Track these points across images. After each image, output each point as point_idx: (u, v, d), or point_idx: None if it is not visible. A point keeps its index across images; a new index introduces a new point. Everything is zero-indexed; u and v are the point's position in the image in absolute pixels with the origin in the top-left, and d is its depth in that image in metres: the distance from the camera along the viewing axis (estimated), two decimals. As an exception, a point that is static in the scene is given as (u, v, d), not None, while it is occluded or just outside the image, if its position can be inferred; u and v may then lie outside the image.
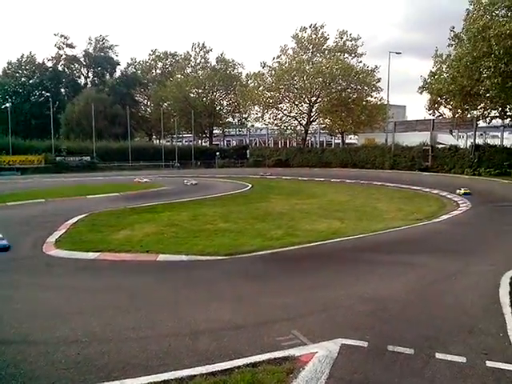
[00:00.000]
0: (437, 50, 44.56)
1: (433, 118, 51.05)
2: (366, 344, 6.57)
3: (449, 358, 6.17)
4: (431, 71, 44.64)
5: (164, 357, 6.34)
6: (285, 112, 70.31)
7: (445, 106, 46.70)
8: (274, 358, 6.15)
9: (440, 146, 51.21)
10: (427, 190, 31.27)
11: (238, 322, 7.63)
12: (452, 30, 42.40)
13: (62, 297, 9.35)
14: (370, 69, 63.38)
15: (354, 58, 65.00)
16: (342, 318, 7.77)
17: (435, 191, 29.99)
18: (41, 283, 10.52)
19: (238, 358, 6.19)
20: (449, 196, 27.20)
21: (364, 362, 6.10)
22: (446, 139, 54.32)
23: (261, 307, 8.44)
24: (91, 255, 12.71)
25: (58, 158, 60.42)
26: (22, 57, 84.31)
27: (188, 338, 6.99)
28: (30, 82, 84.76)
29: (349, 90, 64.41)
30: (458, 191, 28.43)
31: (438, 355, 6.22)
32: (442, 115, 49.27)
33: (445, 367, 5.95)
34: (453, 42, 42.93)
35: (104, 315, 8.16)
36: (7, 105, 68.20)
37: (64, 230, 16.60)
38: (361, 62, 64.69)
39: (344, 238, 14.90)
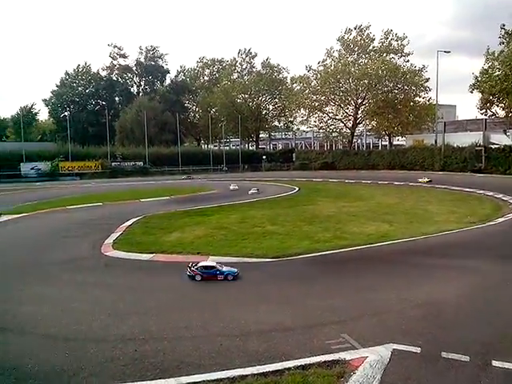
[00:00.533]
0: (488, 48, 42.88)
1: (485, 117, 48.81)
2: (418, 350, 6.47)
3: (506, 365, 5.96)
4: (483, 68, 42.84)
5: (216, 356, 6.54)
6: (330, 115, 69.83)
7: (497, 105, 44.61)
8: (324, 361, 6.20)
9: (493, 147, 48.81)
10: (481, 191, 29.88)
11: (286, 324, 7.72)
12: (503, 28, 40.65)
13: (120, 296, 9.82)
14: (417, 68, 61.65)
15: (400, 58, 63.56)
16: (393, 323, 7.67)
17: (490, 193, 28.60)
18: (100, 282, 11.11)
19: (288, 360, 6.28)
20: (504, 198, 25.88)
21: (417, 368, 6.01)
22: (499, 139, 51.50)
23: (309, 310, 8.49)
24: (146, 256, 13.25)
25: (113, 164, 63.18)
26: (78, 67, 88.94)
27: (238, 339, 7.16)
28: (86, 91, 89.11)
29: (396, 91, 62.95)
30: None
31: (495, 363, 6.03)
32: (494, 114, 47.08)
33: (503, 375, 5.76)
34: (504, 40, 41.07)
35: (159, 314, 8.50)
36: (66, 114, 71.95)
37: (120, 232, 17.35)
38: (408, 61, 63.06)
39: (394, 241, 14.62)
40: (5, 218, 22.40)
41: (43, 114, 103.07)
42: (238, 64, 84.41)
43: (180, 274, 11.16)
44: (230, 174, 62.69)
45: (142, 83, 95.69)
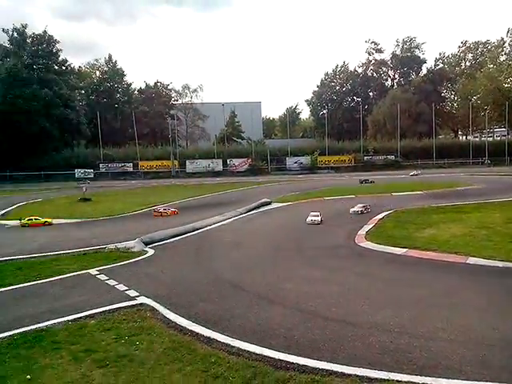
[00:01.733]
0: None
1: None
2: None
3: None
4: None
5: (479, 366, 6.03)
6: None
7: None
8: None
9: None
10: None
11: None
12: None
13: (373, 285, 10.11)
14: None
15: None
16: None
17: None
18: (355, 270, 11.66)
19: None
20: None
21: None
22: None
23: None
24: (398, 250, 13.22)
25: (365, 158, 64.99)
26: (337, 67, 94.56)
27: (505, 352, 6.41)
28: (343, 89, 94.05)
29: None
30: None
31: None
32: None
33: None
34: None
35: (412, 309, 8.37)
36: (324, 111, 77.67)
37: (372, 225, 17.81)
38: None
39: None
40: (274, 205, 26.26)
41: (304, 113, 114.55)
42: (506, 45, 73.59)
43: (435, 271, 10.62)
44: (494, 168, 55.40)
45: (397, 76, 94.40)
